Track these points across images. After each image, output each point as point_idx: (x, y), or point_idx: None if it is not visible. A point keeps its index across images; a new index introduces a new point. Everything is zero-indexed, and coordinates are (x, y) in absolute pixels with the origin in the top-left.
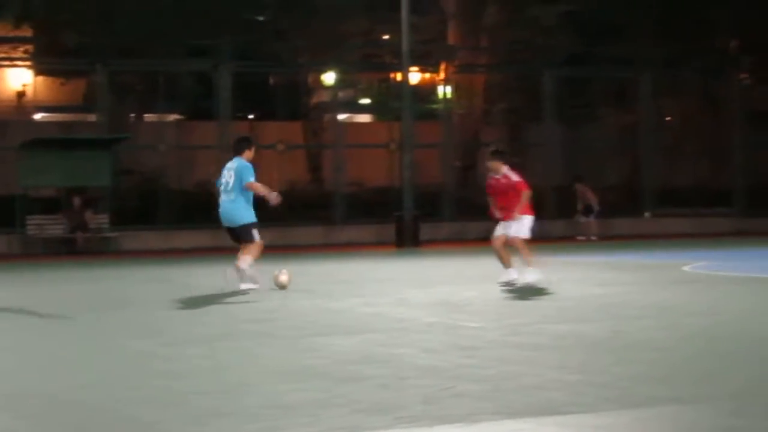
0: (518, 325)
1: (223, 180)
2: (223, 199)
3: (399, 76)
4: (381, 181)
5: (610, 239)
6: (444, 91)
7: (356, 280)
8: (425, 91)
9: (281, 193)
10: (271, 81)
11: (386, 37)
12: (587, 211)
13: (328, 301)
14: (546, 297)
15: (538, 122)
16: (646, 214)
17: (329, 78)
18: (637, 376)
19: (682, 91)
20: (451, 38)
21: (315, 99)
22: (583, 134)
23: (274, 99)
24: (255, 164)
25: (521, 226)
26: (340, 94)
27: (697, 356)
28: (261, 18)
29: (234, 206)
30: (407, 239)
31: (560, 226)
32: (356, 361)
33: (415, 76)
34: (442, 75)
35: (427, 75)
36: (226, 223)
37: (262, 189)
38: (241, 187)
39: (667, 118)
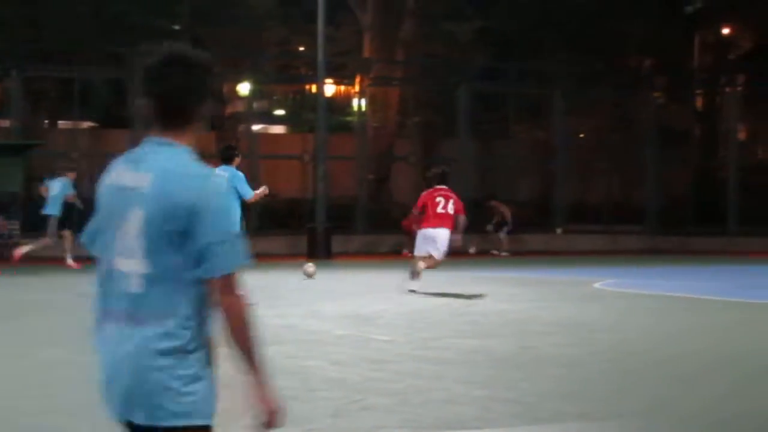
0: (428, 339)
1: None
2: None
3: (314, 88)
4: (294, 192)
5: (521, 255)
6: (359, 103)
7: (268, 291)
8: (340, 104)
9: None
10: None
11: (302, 48)
12: (500, 226)
13: None
14: (456, 312)
15: (452, 137)
16: (558, 230)
17: (244, 88)
18: (544, 392)
19: (595, 108)
20: (367, 51)
21: (230, 109)
22: (497, 150)
23: None
24: None
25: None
26: (255, 105)
27: (605, 373)
28: (177, 27)
29: None
30: (319, 251)
31: (473, 241)
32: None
33: (330, 88)
34: (357, 87)
35: (342, 87)
36: None
37: (259, 194)
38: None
39: (580, 135)
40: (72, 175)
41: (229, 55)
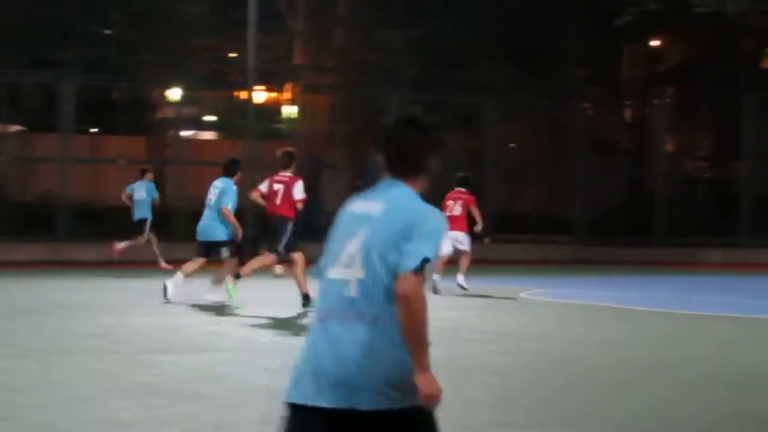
0: None
1: (209, 196)
2: (205, 213)
3: (244, 95)
4: None
5: (450, 264)
6: (289, 110)
7: (196, 297)
8: (271, 110)
9: (118, 208)
10: (116, 95)
11: (233, 54)
12: None
13: (168, 319)
14: None
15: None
16: (486, 240)
17: (174, 94)
18: (472, 400)
19: (526, 118)
20: (298, 58)
21: (159, 114)
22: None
23: (118, 113)
24: (96, 179)
25: None
26: (185, 111)
27: (533, 382)
28: (108, 31)
29: (211, 223)
30: (247, 259)
31: None
32: (196, 379)
33: (260, 95)
34: (287, 94)
35: (273, 94)
36: (200, 237)
37: (232, 219)
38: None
39: (511, 145)
40: (151, 176)
41: (160, 61)
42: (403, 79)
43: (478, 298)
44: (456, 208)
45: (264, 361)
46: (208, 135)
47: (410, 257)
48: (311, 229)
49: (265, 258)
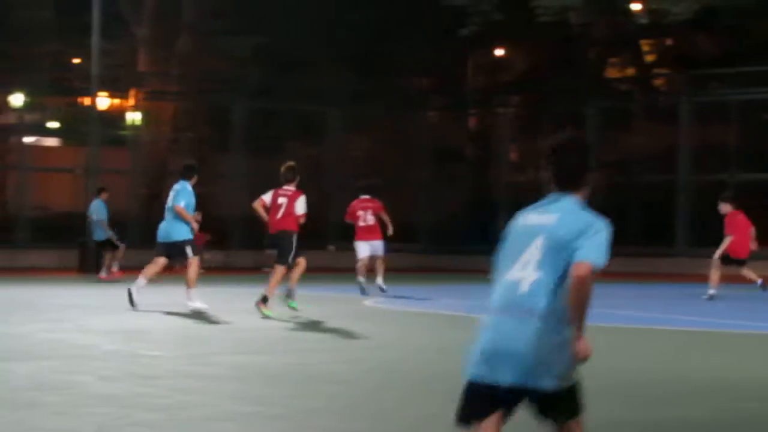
0: (197, 354)
1: (168, 199)
2: (165, 216)
3: (88, 101)
4: (66, 206)
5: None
6: (133, 117)
7: (37, 305)
8: (114, 117)
9: None
10: None
11: (76, 60)
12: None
13: (5, 326)
14: (227, 327)
15: (226, 152)
16: (331, 248)
17: (16, 100)
18: (315, 409)
19: (370, 126)
20: (142, 65)
21: (1, 120)
22: (271, 166)
23: None
24: None
25: None
26: (27, 117)
27: (375, 390)
28: None
29: (170, 224)
30: (90, 266)
31: (247, 257)
32: (32, 387)
33: (104, 101)
34: (131, 101)
35: (117, 100)
36: (160, 238)
37: (188, 217)
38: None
39: (355, 153)
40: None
41: (1, 67)
42: (247, 86)
43: (320, 307)
44: (368, 218)
45: (103, 370)
46: (51, 141)
47: (584, 250)
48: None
49: (279, 271)
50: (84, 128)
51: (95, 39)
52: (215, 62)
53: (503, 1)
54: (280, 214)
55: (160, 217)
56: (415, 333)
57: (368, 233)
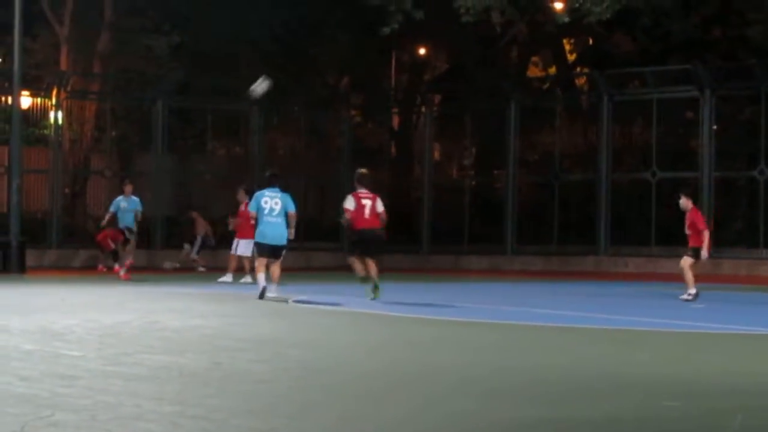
0: (119, 354)
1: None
2: (274, 221)
3: (9, 100)
4: None
5: (216, 270)
6: (55, 116)
7: None
8: (36, 116)
9: None
10: None
11: None
12: (200, 242)
13: None
14: (148, 327)
15: (148, 151)
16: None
17: None
18: (234, 408)
19: (292, 125)
20: (64, 64)
21: None
22: (193, 165)
23: None
24: None
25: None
26: None
27: (296, 389)
28: None
29: (282, 228)
30: (12, 266)
31: (169, 256)
32: None
33: (25, 101)
34: (53, 100)
35: (39, 100)
36: (272, 241)
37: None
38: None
39: (276, 153)
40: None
41: None
42: (169, 85)
43: (236, 306)
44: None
45: (22, 370)
46: None
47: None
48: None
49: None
50: (5, 127)
51: (17, 38)
52: (137, 61)
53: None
54: (366, 214)
55: (82, 217)
56: (336, 332)
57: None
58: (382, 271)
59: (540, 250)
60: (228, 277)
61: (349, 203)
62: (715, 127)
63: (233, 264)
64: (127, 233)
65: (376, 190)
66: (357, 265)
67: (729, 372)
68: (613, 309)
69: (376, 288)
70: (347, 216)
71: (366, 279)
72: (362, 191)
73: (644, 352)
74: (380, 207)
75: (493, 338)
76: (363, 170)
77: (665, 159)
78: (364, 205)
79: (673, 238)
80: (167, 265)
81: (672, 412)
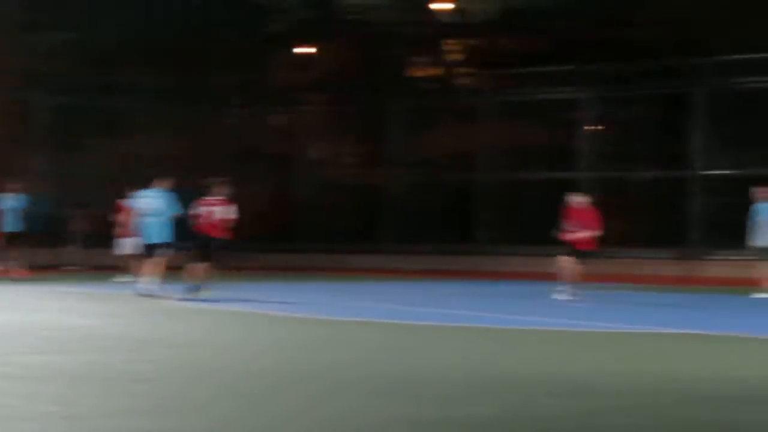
0: None
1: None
2: None
3: None
4: None
5: (98, 269)
6: None
7: None
8: None
9: None
10: None
11: None
12: (84, 240)
13: None
14: (28, 327)
15: (28, 148)
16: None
17: None
18: (120, 408)
19: (176, 123)
20: None
21: None
22: (74, 163)
23: None
24: None
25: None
26: None
27: (182, 389)
28: None
29: None
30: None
31: (45, 254)
32: None
33: None
34: None
35: None
36: None
37: None
38: None
39: (160, 151)
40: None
41: None
42: (53, 82)
43: (121, 305)
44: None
45: None
46: None
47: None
48: None
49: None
50: None
51: None
52: (20, 57)
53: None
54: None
55: None
56: (223, 331)
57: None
58: (263, 269)
59: (421, 249)
60: (123, 278)
61: (197, 209)
62: (596, 127)
63: (125, 263)
64: (10, 233)
65: (258, 188)
66: (196, 268)
67: (608, 371)
68: (495, 308)
69: (197, 290)
70: (193, 221)
71: (196, 283)
72: (211, 198)
73: (526, 351)
74: (225, 213)
75: (378, 338)
76: (214, 179)
77: (548, 159)
78: (209, 211)
79: (548, 237)
80: (64, 267)
81: (551, 410)
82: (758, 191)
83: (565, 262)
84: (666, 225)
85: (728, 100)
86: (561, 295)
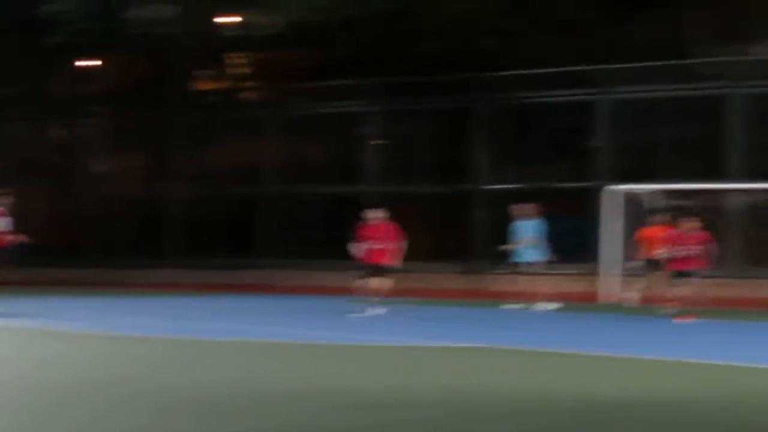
0: None
1: None
2: None
3: None
4: None
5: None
6: None
7: None
8: None
9: None
10: None
11: None
12: None
13: None
14: None
15: None
16: None
17: None
18: None
19: None
20: None
21: None
22: None
23: None
24: None
25: None
26: None
27: None
28: None
29: None
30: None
31: None
32: None
33: None
34: None
35: None
36: None
37: None
38: None
39: None
40: None
41: None
42: None
43: None
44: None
45: None
46: None
47: None
48: None
49: None
50: None
51: None
52: None
53: (96, 11)
54: None
55: None
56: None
57: None
58: (45, 284)
59: (206, 263)
60: None
61: None
62: (381, 142)
63: None
64: None
65: (40, 201)
66: None
67: (395, 385)
68: (280, 322)
69: None
70: None
71: None
72: None
73: (313, 365)
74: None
75: (161, 353)
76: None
77: (333, 173)
78: None
79: (336, 252)
80: None
81: (337, 423)
82: (516, 208)
83: (364, 281)
84: (451, 239)
85: (513, 115)
86: (372, 311)
